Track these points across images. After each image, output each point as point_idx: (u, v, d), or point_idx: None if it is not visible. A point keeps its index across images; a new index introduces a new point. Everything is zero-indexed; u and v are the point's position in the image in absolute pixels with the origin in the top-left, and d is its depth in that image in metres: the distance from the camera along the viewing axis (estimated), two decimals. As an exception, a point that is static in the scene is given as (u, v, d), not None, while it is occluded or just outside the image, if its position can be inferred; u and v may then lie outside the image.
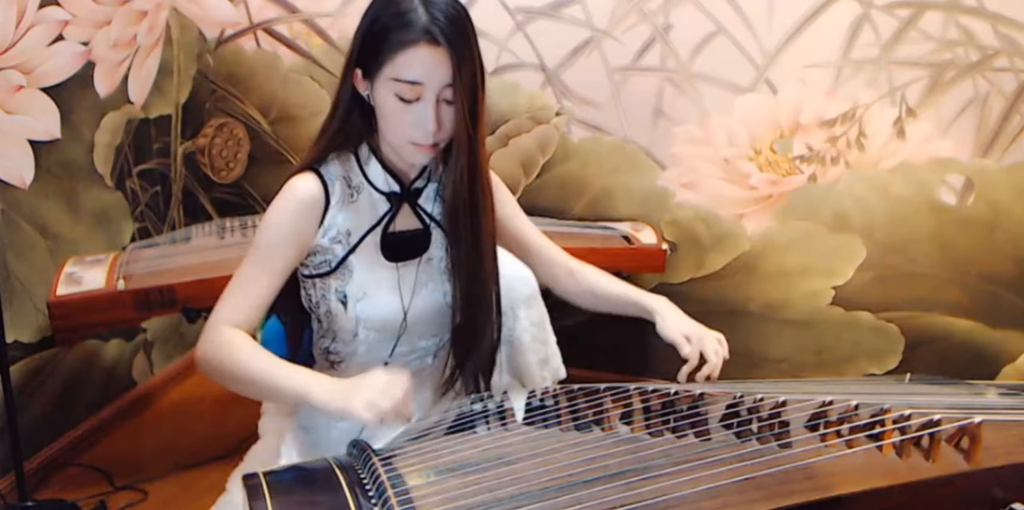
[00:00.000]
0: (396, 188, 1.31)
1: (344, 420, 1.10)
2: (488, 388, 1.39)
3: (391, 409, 1.04)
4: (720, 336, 1.34)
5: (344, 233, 1.28)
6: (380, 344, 1.34)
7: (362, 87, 1.24)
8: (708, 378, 1.30)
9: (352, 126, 1.27)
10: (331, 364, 1.36)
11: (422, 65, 1.16)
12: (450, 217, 1.30)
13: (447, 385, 1.41)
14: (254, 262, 1.24)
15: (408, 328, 1.33)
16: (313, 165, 1.27)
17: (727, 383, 1.28)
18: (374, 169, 1.29)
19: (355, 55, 1.22)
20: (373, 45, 1.19)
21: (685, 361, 1.31)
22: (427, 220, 1.34)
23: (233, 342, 1.17)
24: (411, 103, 1.18)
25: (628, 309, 1.42)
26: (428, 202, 1.34)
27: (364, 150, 1.29)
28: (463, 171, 1.26)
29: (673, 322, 1.34)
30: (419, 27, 1.15)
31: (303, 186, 1.25)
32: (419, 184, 1.33)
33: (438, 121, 1.19)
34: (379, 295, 1.30)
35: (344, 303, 1.29)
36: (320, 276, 1.30)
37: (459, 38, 1.16)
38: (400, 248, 1.31)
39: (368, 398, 1.05)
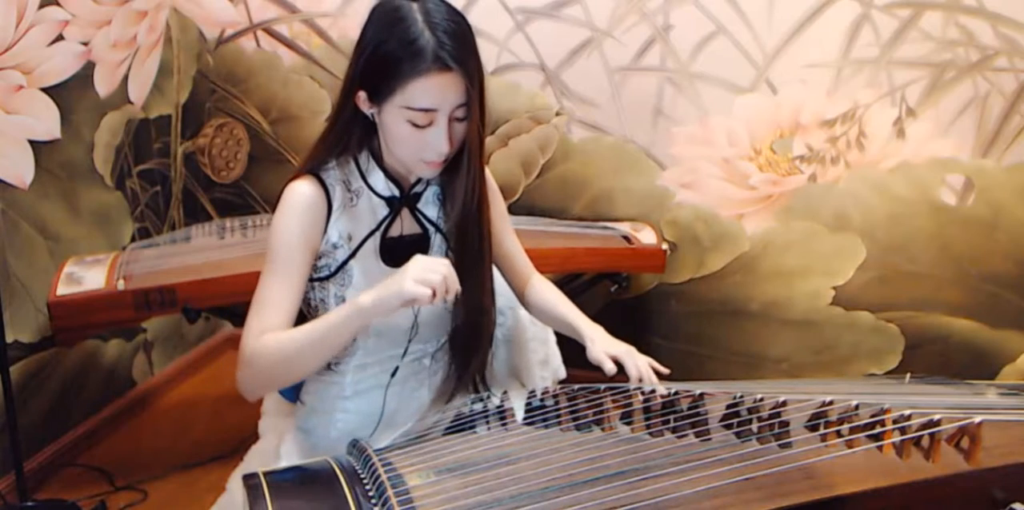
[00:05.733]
0: (396, 192, 1.30)
1: (412, 302, 1.09)
2: (487, 388, 1.39)
3: (440, 282, 1.08)
4: (649, 359, 1.31)
5: (345, 237, 1.27)
6: (378, 348, 1.34)
7: (366, 108, 1.21)
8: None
9: (352, 136, 1.26)
10: (328, 365, 1.36)
11: (436, 94, 1.14)
12: (460, 221, 1.29)
13: (447, 386, 1.41)
14: (274, 273, 1.22)
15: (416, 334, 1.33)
16: (313, 170, 1.26)
17: (727, 383, 1.29)
18: (374, 174, 1.29)
19: (358, 78, 1.20)
20: (381, 72, 1.16)
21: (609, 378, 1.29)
22: (426, 225, 1.33)
23: (270, 338, 1.17)
24: (424, 128, 1.17)
25: (567, 331, 1.40)
26: (427, 206, 1.34)
27: (364, 155, 1.28)
28: (475, 176, 1.26)
29: (601, 346, 1.30)
30: (429, 55, 1.12)
31: (305, 190, 1.24)
32: (418, 188, 1.32)
33: (450, 140, 1.19)
34: None
35: None
36: (320, 280, 1.29)
37: (467, 55, 1.15)
38: (399, 253, 1.30)
39: (416, 277, 1.09)
